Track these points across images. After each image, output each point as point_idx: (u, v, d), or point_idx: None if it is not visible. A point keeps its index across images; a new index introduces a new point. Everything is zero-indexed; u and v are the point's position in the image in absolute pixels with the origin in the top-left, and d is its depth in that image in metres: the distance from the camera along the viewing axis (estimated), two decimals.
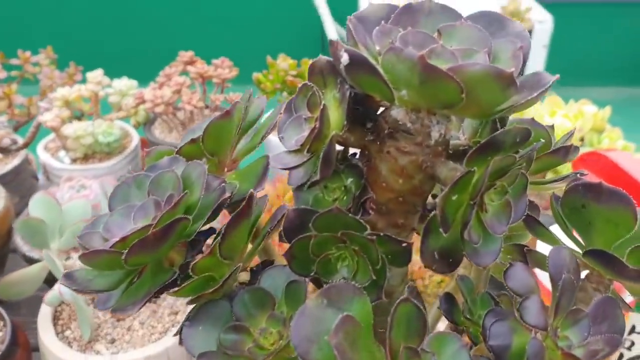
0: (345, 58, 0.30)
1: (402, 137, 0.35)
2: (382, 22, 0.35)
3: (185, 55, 1.27)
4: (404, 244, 0.33)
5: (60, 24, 2.33)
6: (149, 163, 0.46)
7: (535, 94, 0.32)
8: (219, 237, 0.36)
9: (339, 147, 0.38)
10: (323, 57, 0.35)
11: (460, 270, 0.53)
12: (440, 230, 0.32)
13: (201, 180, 0.40)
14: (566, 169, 1.03)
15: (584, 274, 0.42)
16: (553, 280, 0.34)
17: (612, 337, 0.33)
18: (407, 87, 0.31)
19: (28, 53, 1.66)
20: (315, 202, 0.36)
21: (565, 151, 0.42)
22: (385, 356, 0.30)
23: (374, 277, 0.34)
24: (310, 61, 0.37)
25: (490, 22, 0.37)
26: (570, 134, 0.46)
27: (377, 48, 0.34)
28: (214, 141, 0.43)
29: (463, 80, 0.30)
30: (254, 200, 0.37)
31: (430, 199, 0.39)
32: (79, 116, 1.43)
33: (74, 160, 1.27)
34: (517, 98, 0.33)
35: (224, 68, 1.24)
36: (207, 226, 0.42)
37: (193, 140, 0.44)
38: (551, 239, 0.42)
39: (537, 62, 2.16)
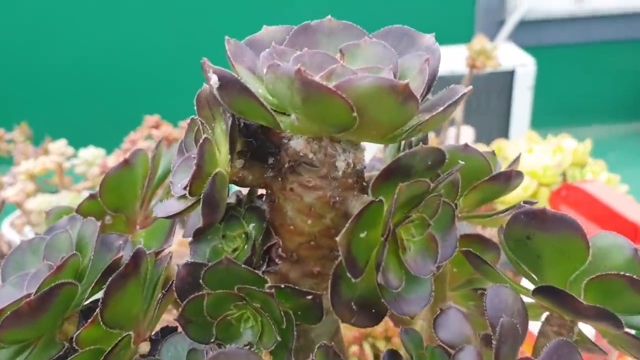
0: (214, 80, 0.26)
1: (304, 170, 0.30)
2: (273, 44, 0.31)
3: (151, 119, 1.24)
4: (310, 296, 0.28)
5: (28, 96, 2.34)
6: (49, 224, 0.41)
7: (441, 109, 0.28)
8: (99, 304, 0.30)
9: (242, 189, 0.33)
10: (206, 87, 0.31)
11: (421, 316, 0.47)
12: (349, 275, 0.27)
13: (93, 240, 0.36)
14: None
15: (544, 315, 0.37)
16: (492, 325, 0.29)
17: None
18: (292, 109, 0.27)
19: (2, 130, 1.63)
20: (213, 254, 0.31)
21: (505, 177, 0.38)
22: None
23: (279, 339, 0.28)
24: None
25: (399, 37, 0.33)
26: (516, 160, 0.42)
27: (265, 71, 0.30)
28: (114, 195, 0.38)
29: (352, 97, 0.26)
30: (144, 258, 0.32)
31: None
32: (54, 191, 1.39)
33: None
34: (422, 116, 0.29)
35: None
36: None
37: (92, 196, 0.39)
38: (498, 278, 0.37)
39: (523, 103, 2.15)
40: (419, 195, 0.28)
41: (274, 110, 0.27)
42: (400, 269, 0.29)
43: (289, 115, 0.28)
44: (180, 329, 0.32)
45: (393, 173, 0.27)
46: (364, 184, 0.32)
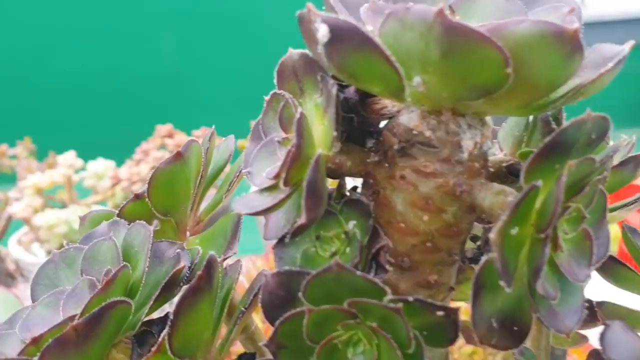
0: (323, 31, 0.20)
1: (420, 152, 0.24)
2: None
3: (163, 128, 1.18)
4: (442, 312, 0.22)
5: (32, 108, 2.27)
6: (84, 232, 0.35)
7: (611, 65, 0.22)
8: (168, 327, 0.24)
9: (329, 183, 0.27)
10: (295, 52, 0.25)
11: None
12: (501, 283, 0.21)
13: (145, 248, 0.29)
14: None
15: None
16: None
17: None
18: (422, 68, 0.21)
19: (4, 146, 1.57)
20: (306, 261, 0.25)
21: (635, 162, 0.32)
22: None
23: None
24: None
25: None
26: (632, 144, 0.36)
27: (370, 29, 0.24)
28: (164, 195, 0.32)
29: (508, 46, 0.19)
30: (217, 269, 0.26)
31: (469, 243, 0.27)
32: (62, 206, 1.33)
33: (49, 253, 1.15)
34: (581, 78, 0.23)
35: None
36: (162, 311, 0.31)
37: (137, 196, 0.33)
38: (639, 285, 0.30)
39: None
40: (583, 179, 0.22)
41: None
42: (554, 275, 0.23)
43: (410, 77, 0.22)
44: (263, 356, 0.25)
45: (555, 149, 0.21)
46: (490, 169, 0.26)
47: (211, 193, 0.38)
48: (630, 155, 0.31)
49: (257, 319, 0.54)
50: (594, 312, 0.36)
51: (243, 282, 0.72)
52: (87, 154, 1.29)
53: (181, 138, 1.17)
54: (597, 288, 0.36)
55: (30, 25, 2.23)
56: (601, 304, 0.35)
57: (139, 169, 1.08)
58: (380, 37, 0.22)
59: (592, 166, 0.22)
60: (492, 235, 0.20)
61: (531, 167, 0.21)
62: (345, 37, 0.20)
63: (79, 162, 1.19)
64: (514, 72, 0.20)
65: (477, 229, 0.28)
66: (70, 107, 2.28)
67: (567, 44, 0.20)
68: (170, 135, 1.18)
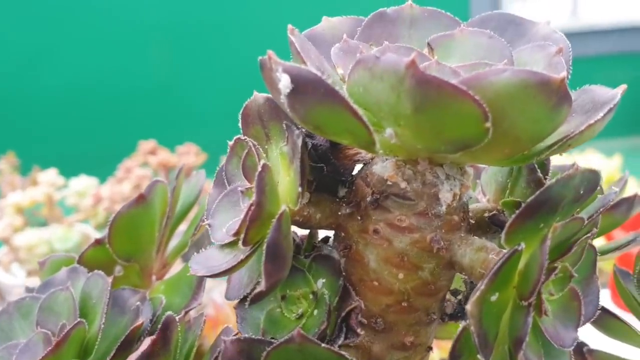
0: (285, 82, 0.18)
1: (395, 205, 0.22)
2: (345, 37, 0.23)
3: (147, 145, 1.16)
4: None
5: (15, 122, 2.24)
6: (44, 277, 0.33)
7: (601, 115, 0.20)
8: None
9: (300, 230, 0.25)
10: (260, 96, 0.23)
11: None
12: (479, 356, 0.19)
13: (103, 301, 0.27)
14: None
15: None
16: None
17: None
18: (394, 120, 0.19)
19: None
20: (270, 324, 0.23)
21: (628, 205, 0.30)
22: None
23: None
24: None
25: (502, 26, 0.25)
26: (624, 182, 0.34)
27: (341, 72, 0.22)
28: (126, 240, 0.30)
29: (486, 99, 0.18)
30: (175, 329, 0.23)
31: (448, 296, 0.26)
32: (43, 224, 1.30)
33: (29, 274, 1.12)
34: (569, 126, 0.21)
35: (189, 155, 1.13)
36: None
37: (98, 242, 0.31)
38: (632, 338, 0.28)
39: None
40: (570, 238, 0.20)
41: None
42: (538, 341, 0.21)
43: (380, 131, 0.20)
44: None
45: (540, 209, 0.19)
46: (471, 221, 0.24)
47: (182, 229, 0.36)
48: (622, 198, 0.30)
49: None
50: (584, 358, 0.34)
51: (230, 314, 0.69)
52: (72, 168, 1.26)
53: (164, 155, 1.14)
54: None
55: (13, 39, 2.21)
56: (592, 351, 0.33)
57: (121, 187, 1.06)
58: (349, 86, 0.20)
59: (580, 225, 0.20)
60: (468, 307, 0.18)
61: (512, 229, 0.19)
62: (308, 89, 0.18)
63: (60, 180, 1.16)
64: (494, 126, 0.18)
65: (458, 280, 0.27)
66: (54, 121, 2.25)
67: (553, 95, 0.18)
68: (153, 152, 1.15)
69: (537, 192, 0.19)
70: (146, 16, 2.23)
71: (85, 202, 1.17)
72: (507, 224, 0.19)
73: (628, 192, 0.93)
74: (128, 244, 0.30)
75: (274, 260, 0.20)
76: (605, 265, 0.69)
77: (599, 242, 0.36)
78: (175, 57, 2.29)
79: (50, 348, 0.25)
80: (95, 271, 0.28)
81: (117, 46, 2.23)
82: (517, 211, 0.19)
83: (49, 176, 1.17)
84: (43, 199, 1.16)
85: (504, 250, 0.20)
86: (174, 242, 0.35)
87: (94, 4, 2.20)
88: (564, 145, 0.20)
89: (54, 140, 2.21)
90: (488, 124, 0.18)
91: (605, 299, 0.33)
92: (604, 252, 0.31)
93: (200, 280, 0.29)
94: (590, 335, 0.32)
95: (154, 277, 0.33)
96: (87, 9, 2.19)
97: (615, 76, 2.91)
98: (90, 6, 2.19)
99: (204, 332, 0.30)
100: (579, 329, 0.25)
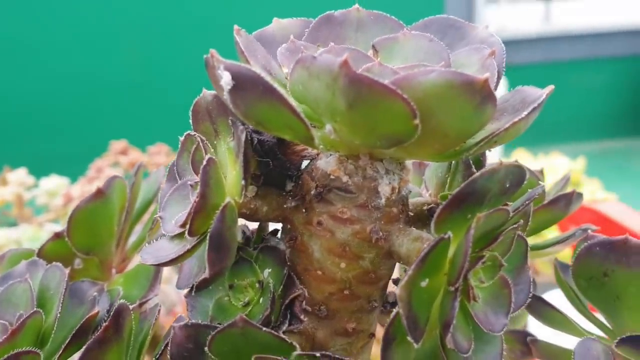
0: (226, 79, 0.19)
1: (337, 198, 0.24)
2: (292, 38, 0.24)
3: (118, 145, 1.16)
4: None
5: None
6: (3, 271, 0.33)
7: (525, 113, 0.21)
8: None
9: (249, 223, 0.26)
10: (208, 93, 0.24)
11: None
12: (409, 339, 0.20)
13: (60, 291, 0.28)
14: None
15: None
16: None
17: None
18: (331, 116, 0.20)
19: None
20: (218, 311, 0.24)
21: (566, 201, 0.31)
22: None
23: None
24: None
25: (443, 30, 0.27)
26: (566, 180, 0.36)
27: (286, 71, 0.23)
28: (85, 234, 0.31)
29: (415, 98, 0.19)
30: (128, 317, 0.24)
31: (391, 285, 0.27)
32: (13, 224, 1.29)
33: None
34: (498, 124, 0.22)
35: (160, 155, 1.13)
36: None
37: (57, 235, 0.32)
38: (566, 325, 0.30)
39: None
40: (496, 228, 0.21)
41: None
42: (468, 326, 0.22)
43: (321, 125, 0.21)
44: None
45: (465, 200, 0.20)
46: (410, 213, 0.25)
47: (140, 227, 0.37)
48: (560, 194, 0.31)
49: None
50: (528, 348, 0.36)
51: None
52: (42, 168, 1.25)
53: (135, 155, 1.14)
54: None
55: None
56: (534, 341, 0.34)
57: (92, 187, 1.06)
58: (291, 84, 0.21)
59: (506, 216, 0.21)
60: (397, 291, 0.19)
61: (440, 218, 0.21)
62: (248, 86, 0.19)
63: (31, 179, 1.16)
64: (423, 123, 0.19)
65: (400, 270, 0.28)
66: (25, 120, 2.23)
67: (477, 95, 0.19)
68: (124, 152, 1.15)
69: (463, 184, 0.20)
70: (117, 16, 2.21)
71: (56, 202, 1.16)
72: (435, 214, 0.21)
73: (594, 195, 0.95)
74: (87, 238, 0.31)
75: (217, 249, 0.21)
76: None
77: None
78: (147, 56, 2.28)
79: (5, 336, 0.26)
80: (54, 263, 0.29)
81: (89, 45, 2.21)
82: (444, 202, 0.20)
83: (19, 176, 1.16)
84: (12, 199, 1.15)
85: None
86: (134, 237, 0.36)
87: (64, 3, 2.18)
88: (490, 142, 0.21)
89: (25, 140, 2.19)
90: (417, 121, 0.19)
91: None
92: (542, 247, 0.33)
93: (157, 272, 0.30)
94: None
95: (114, 270, 0.34)
96: (56, 8, 2.17)
97: (588, 81, 2.97)
98: (60, 5, 2.17)
99: (164, 322, 0.31)
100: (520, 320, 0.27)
